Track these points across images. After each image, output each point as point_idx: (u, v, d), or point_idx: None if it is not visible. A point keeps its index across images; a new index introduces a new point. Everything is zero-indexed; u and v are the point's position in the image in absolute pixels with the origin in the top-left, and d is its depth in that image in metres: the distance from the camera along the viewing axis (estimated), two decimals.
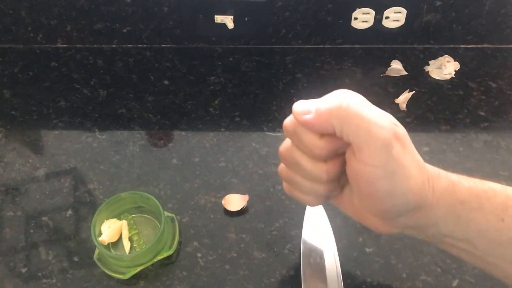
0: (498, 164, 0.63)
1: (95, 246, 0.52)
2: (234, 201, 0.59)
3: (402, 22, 0.75)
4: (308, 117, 0.37)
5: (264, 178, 0.62)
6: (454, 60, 0.76)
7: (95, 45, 0.80)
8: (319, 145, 0.38)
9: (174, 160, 0.65)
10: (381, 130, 0.35)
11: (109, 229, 0.54)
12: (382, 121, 0.35)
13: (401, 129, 0.37)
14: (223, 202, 0.59)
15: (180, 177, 0.63)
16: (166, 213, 0.56)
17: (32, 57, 0.79)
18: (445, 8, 0.74)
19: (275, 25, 0.77)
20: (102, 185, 0.62)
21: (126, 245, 0.55)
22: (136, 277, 0.53)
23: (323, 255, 0.53)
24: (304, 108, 0.37)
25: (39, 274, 0.54)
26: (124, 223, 0.56)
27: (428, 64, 0.76)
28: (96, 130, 0.68)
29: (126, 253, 0.54)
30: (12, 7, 0.75)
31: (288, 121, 0.39)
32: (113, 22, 0.77)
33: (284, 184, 0.46)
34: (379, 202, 0.38)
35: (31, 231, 0.58)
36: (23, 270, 0.55)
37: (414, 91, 0.72)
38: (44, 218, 0.59)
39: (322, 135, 0.37)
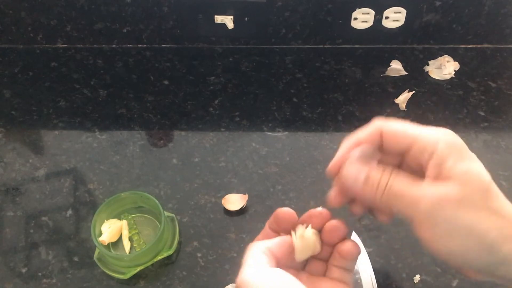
0: (498, 164, 0.63)
1: (95, 246, 0.52)
2: (234, 201, 0.59)
3: (402, 22, 0.75)
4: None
5: (264, 178, 0.62)
6: (454, 60, 0.76)
7: (95, 45, 0.80)
8: None
9: (174, 160, 0.65)
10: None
11: (109, 229, 0.54)
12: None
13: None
14: (223, 202, 0.59)
15: (180, 177, 0.63)
16: (166, 213, 0.56)
17: (32, 57, 0.79)
18: (445, 8, 0.74)
19: (275, 25, 0.77)
20: (102, 185, 0.62)
21: (126, 245, 0.55)
22: (136, 277, 0.53)
23: (359, 272, 0.52)
24: None
25: (39, 274, 0.54)
26: (124, 223, 0.56)
27: (428, 64, 0.76)
28: (96, 130, 0.68)
29: (126, 253, 0.54)
30: (12, 7, 0.75)
31: None
32: (113, 22, 0.77)
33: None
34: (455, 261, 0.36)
35: (31, 231, 0.58)
36: (23, 270, 0.55)
37: (414, 91, 0.72)
38: (44, 218, 0.59)
39: None
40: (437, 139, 0.36)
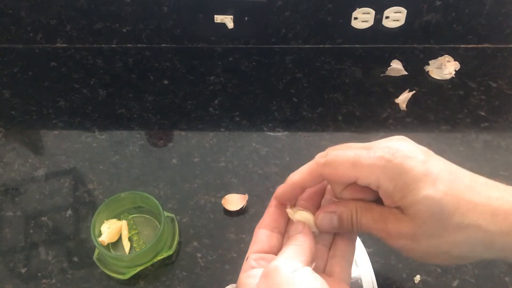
0: (498, 164, 0.63)
1: (95, 246, 0.52)
2: (234, 201, 0.59)
3: (402, 22, 0.75)
4: None
5: (264, 178, 0.62)
6: (454, 60, 0.76)
7: (94, 45, 0.80)
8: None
9: (174, 160, 0.64)
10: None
11: (109, 229, 0.54)
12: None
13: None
14: (223, 202, 0.59)
15: (180, 177, 0.63)
16: (166, 213, 0.55)
17: (31, 57, 0.79)
18: (445, 8, 0.74)
19: (275, 25, 0.76)
20: (102, 185, 0.62)
21: (126, 245, 0.55)
22: (136, 277, 0.53)
23: (359, 272, 0.52)
24: None
25: (39, 274, 0.54)
26: (123, 223, 0.56)
27: (428, 64, 0.76)
28: (96, 130, 0.68)
29: (126, 253, 0.54)
30: (12, 7, 0.75)
31: None
32: (112, 22, 0.77)
33: None
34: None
35: (31, 231, 0.58)
36: (23, 270, 0.55)
37: (414, 91, 0.72)
38: (44, 218, 0.59)
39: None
40: (377, 174, 0.36)
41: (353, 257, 0.41)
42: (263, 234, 0.41)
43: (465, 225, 0.35)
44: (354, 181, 0.37)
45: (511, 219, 0.35)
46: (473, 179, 0.38)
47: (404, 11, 0.74)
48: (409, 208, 0.35)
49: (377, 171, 0.36)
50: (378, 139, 0.38)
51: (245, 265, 0.38)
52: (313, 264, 0.38)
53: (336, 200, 0.40)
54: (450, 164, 0.39)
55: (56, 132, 0.68)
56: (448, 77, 0.74)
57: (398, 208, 0.36)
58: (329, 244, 0.41)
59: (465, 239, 0.35)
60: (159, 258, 0.53)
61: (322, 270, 0.40)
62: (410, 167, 0.35)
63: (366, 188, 0.37)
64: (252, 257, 0.39)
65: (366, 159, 0.36)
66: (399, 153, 0.36)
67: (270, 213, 0.42)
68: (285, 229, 0.41)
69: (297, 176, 0.40)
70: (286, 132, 0.68)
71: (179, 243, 0.56)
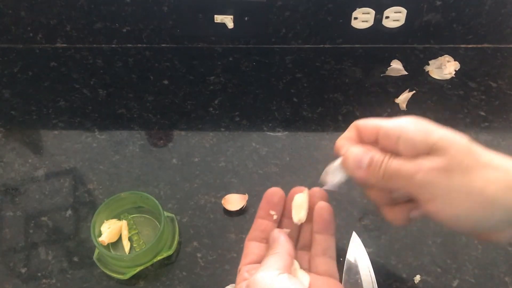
0: None
1: (95, 246, 0.52)
2: (234, 201, 0.59)
3: (402, 21, 0.75)
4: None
5: (264, 178, 0.62)
6: (454, 60, 0.76)
7: (94, 45, 0.80)
8: None
9: (174, 160, 0.64)
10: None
11: (109, 229, 0.54)
12: None
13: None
14: (223, 202, 0.59)
15: (180, 177, 0.63)
16: (166, 213, 0.55)
17: (31, 57, 0.79)
18: (445, 8, 0.74)
19: (275, 25, 0.76)
20: (102, 185, 0.62)
21: (126, 245, 0.55)
22: (136, 277, 0.53)
23: (359, 272, 0.53)
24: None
25: (39, 274, 0.54)
26: (124, 223, 0.56)
27: (428, 64, 0.76)
28: (96, 130, 0.68)
29: (126, 253, 0.54)
30: (12, 7, 0.75)
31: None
32: (112, 22, 0.77)
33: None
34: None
35: (31, 231, 0.58)
36: (23, 270, 0.55)
37: (414, 91, 0.72)
38: (44, 218, 0.59)
39: None
40: (399, 125, 0.39)
41: (334, 251, 0.44)
42: (253, 246, 0.44)
43: (495, 164, 0.36)
44: (376, 133, 0.40)
45: None
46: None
47: (404, 11, 0.74)
48: (437, 144, 0.37)
49: (399, 121, 0.39)
50: None
51: (238, 277, 0.41)
52: (293, 267, 0.42)
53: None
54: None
55: (56, 132, 0.68)
56: (448, 77, 0.74)
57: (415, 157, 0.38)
58: (309, 244, 0.44)
59: (496, 179, 0.36)
60: (159, 258, 0.53)
61: (308, 269, 0.43)
62: (424, 121, 0.39)
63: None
64: (244, 269, 0.41)
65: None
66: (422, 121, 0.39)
67: (258, 225, 0.45)
68: None
69: (341, 138, 0.44)
70: (286, 132, 0.68)
71: (179, 243, 0.56)
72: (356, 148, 0.41)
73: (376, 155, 0.40)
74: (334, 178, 0.44)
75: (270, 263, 0.39)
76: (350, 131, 0.43)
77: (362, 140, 0.43)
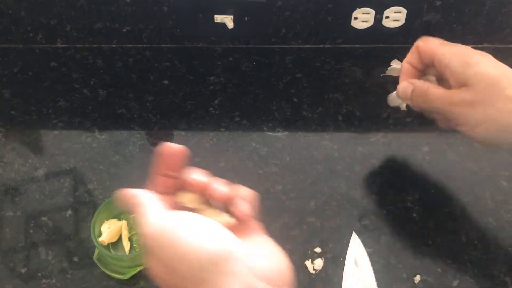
0: (498, 164, 0.63)
1: (95, 246, 0.52)
2: None
3: (402, 22, 0.75)
4: None
5: (264, 178, 0.62)
6: None
7: (94, 45, 0.80)
8: None
9: None
10: None
11: (109, 230, 0.54)
12: None
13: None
14: None
15: None
16: None
17: (31, 57, 0.79)
18: (445, 8, 0.74)
19: (275, 25, 0.76)
20: (102, 185, 0.62)
21: (126, 245, 0.55)
22: (136, 277, 0.53)
23: (358, 270, 0.53)
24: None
25: (39, 274, 0.54)
26: (124, 223, 0.56)
27: None
28: (96, 130, 0.68)
29: (126, 253, 0.54)
30: (12, 7, 0.75)
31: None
32: (113, 22, 0.77)
33: None
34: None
35: (31, 231, 0.58)
36: (23, 270, 0.55)
37: None
38: (44, 218, 0.59)
39: None
40: (450, 53, 0.50)
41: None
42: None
43: None
44: (432, 57, 0.52)
45: None
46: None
47: (404, 11, 0.74)
48: (471, 79, 0.47)
49: (452, 49, 0.50)
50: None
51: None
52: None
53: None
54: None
55: (56, 132, 0.68)
56: None
57: (459, 86, 0.48)
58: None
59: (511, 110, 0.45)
60: None
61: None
62: (475, 52, 0.49)
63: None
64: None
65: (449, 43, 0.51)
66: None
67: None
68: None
69: (404, 61, 0.57)
70: (286, 132, 0.68)
71: None
72: (403, 82, 0.55)
73: (418, 86, 0.52)
74: (395, 102, 0.61)
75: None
76: (412, 54, 0.55)
77: (422, 61, 0.54)
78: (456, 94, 0.48)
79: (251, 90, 0.73)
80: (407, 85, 0.53)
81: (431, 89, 0.50)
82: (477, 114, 0.47)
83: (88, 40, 0.79)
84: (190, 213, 0.36)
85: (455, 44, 0.52)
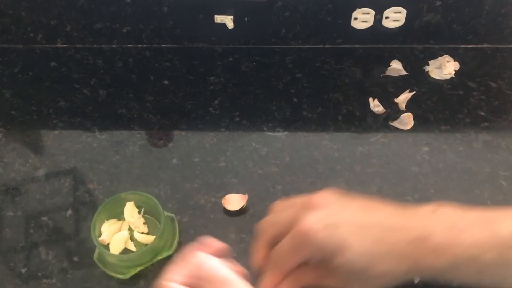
0: (498, 164, 0.63)
1: (95, 246, 0.52)
2: (234, 201, 0.59)
3: (402, 22, 0.75)
4: None
5: (264, 178, 0.62)
6: (454, 60, 0.76)
7: (95, 45, 0.80)
8: None
9: (174, 160, 0.65)
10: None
11: (109, 229, 0.54)
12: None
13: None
14: (223, 202, 0.59)
15: (180, 177, 0.63)
16: (166, 213, 0.56)
17: (32, 57, 0.79)
18: (445, 8, 0.74)
19: (275, 25, 0.76)
20: (102, 185, 0.62)
21: (127, 245, 0.55)
22: (136, 277, 0.53)
23: None
24: None
25: (39, 274, 0.54)
26: (124, 223, 0.56)
27: (428, 64, 0.76)
28: (96, 130, 0.68)
29: (126, 253, 0.54)
30: (12, 7, 0.75)
31: None
32: (113, 22, 0.77)
33: None
34: None
35: (31, 231, 0.58)
36: (23, 270, 0.55)
37: (414, 91, 0.72)
38: (44, 218, 0.59)
39: None
40: (303, 256, 0.45)
41: None
42: None
43: (378, 273, 0.43)
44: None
45: (413, 258, 0.43)
46: (377, 228, 0.44)
47: (404, 11, 0.74)
48: (335, 272, 0.44)
49: (304, 253, 0.44)
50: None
51: None
52: None
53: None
54: (357, 220, 0.45)
55: (56, 132, 0.68)
56: (448, 77, 0.74)
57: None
58: None
59: (382, 282, 0.44)
60: (159, 258, 0.53)
61: None
62: (324, 240, 0.43)
63: None
64: None
65: (293, 246, 0.45)
66: (313, 229, 0.43)
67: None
68: None
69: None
70: (286, 132, 0.68)
71: (179, 243, 0.56)
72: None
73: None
74: None
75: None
76: (262, 240, 0.49)
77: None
78: (330, 284, 0.46)
79: (251, 90, 0.73)
80: (288, 286, 0.47)
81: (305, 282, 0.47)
82: None
83: (88, 40, 0.79)
84: None
85: (291, 242, 0.45)
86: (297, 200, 0.48)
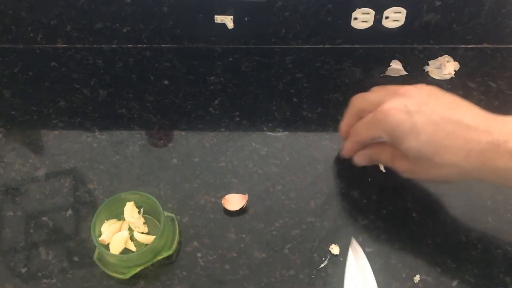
0: None
1: (95, 246, 0.52)
2: (234, 201, 0.59)
3: (402, 22, 0.75)
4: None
5: (264, 178, 0.62)
6: (454, 60, 0.76)
7: (95, 45, 0.80)
8: None
9: (174, 160, 0.65)
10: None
11: (109, 229, 0.54)
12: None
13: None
14: (223, 202, 0.59)
15: (180, 177, 0.63)
16: (166, 213, 0.56)
17: (32, 57, 0.79)
18: (445, 8, 0.74)
19: (275, 25, 0.77)
20: (102, 185, 0.62)
21: (127, 245, 0.55)
22: (136, 277, 0.53)
23: (358, 270, 0.53)
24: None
25: (39, 274, 0.54)
26: (124, 223, 0.56)
27: (428, 64, 0.76)
28: (96, 130, 0.68)
29: (126, 253, 0.54)
30: (12, 7, 0.75)
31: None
32: (113, 22, 0.77)
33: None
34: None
35: (31, 231, 0.58)
36: (23, 270, 0.55)
37: None
38: (44, 218, 0.59)
39: None
40: (379, 132, 0.52)
41: None
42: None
43: (444, 163, 0.47)
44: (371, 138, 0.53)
45: (482, 158, 0.46)
46: (456, 124, 0.47)
47: (404, 11, 0.74)
48: (405, 155, 0.50)
49: (379, 130, 0.51)
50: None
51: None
52: None
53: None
54: (438, 112, 0.48)
55: (56, 132, 0.68)
56: (447, 77, 0.74)
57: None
58: None
59: (446, 173, 0.48)
60: (159, 258, 0.53)
61: None
62: (399, 122, 0.48)
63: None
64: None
65: (371, 122, 0.52)
66: (392, 111, 0.49)
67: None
68: None
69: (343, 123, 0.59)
70: (286, 132, 0.68)
71: (179, 243, 0.56)
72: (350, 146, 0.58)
73: (367, 154, 0.57)
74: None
75: None
76: (351, 115, 0.57)
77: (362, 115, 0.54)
78: (398, 165, 0.53)
79: (251, 90, 0.73)
80: (362, 154, 0.57)
81: (381, 157, 0.55)
82: (419, 175, 0.53)
83: (88, 40, 0.79)
84: None
85: (374, 118, 0.52)
86: (393, 87, 0.53)
